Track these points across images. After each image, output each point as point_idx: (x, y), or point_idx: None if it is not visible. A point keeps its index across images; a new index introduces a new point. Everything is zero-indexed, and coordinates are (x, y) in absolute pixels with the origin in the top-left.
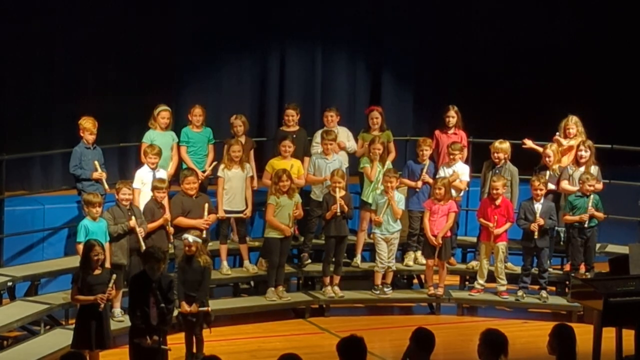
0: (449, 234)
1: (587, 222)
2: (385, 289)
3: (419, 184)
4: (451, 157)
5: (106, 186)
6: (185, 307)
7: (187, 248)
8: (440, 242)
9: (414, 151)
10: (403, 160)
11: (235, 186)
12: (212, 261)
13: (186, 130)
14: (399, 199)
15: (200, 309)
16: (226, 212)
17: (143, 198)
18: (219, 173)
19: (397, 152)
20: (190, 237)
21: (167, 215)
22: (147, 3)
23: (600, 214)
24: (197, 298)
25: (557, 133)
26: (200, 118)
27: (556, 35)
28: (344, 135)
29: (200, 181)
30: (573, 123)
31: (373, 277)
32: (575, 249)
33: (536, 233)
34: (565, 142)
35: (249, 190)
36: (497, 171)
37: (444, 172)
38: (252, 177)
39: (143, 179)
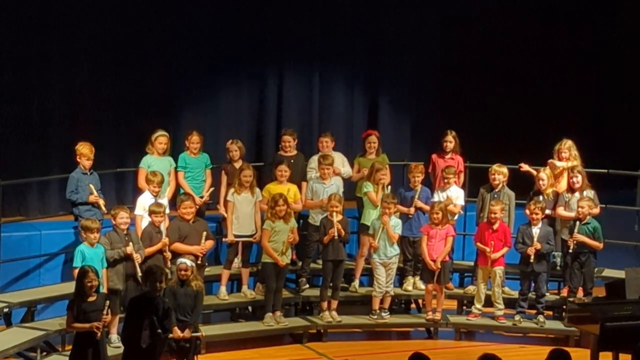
0: (447, 258)
1: (571, 247)
2: (383, 314)
3: (412, 210)
4: (445, 181)
5: (104, 209)
6: (178, 333)
7: (182, 272)
8: (439, 266)
9: (407, 176)
10: (400, 185)
11: (244, 211)
12: (204, 286)
13: (184, 155)
14: (395, 223)
15: (193, 334)
16: (236, 236)
17: (145, 225)
18: (229, 197)
19: (392, 176)
20: (188, 262)
21: (165, 239)
22: (145, 28)
23: (596, 243)
24: (189, 323)
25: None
26: (198, 145)
27: (552, 60)
28: (339, 161)
29: (197, 207)
30: (566, 147)
31: (371, 302)
32: (572, 272)
33: (532, 257)
34: (559, 164)
35: (258, 214)
36: (495, 195)
37: (438, 196)
38: (261, 202)
39: (145, 205)
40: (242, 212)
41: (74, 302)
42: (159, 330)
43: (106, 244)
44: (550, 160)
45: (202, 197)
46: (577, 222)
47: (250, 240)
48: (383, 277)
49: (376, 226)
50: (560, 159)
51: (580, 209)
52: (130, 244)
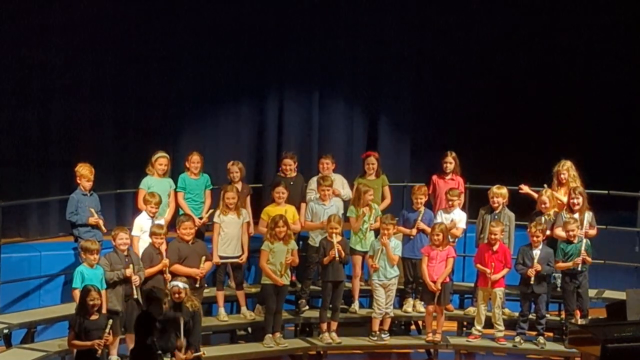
0: (447, 279)
1: (579, 266)
2: (383, 335)
3: (414, 231)
4: (450, 203)
5: (104, 229)
6: (180, 355)
7: (176, 295)
8: (440, 287)
9: (410, 198)
10: (400, 206)
11: (231, 232)
12: (201, 306)
13: (183, 176)
14: (395, 245)
15: (195, 354)
16: (221, 257)
17: (142, 245)
18: (215, 219)
19: (392, 197)
20: (180, 284)
21: (166, 260)
22: (146, 49)
23: (588, 259)
24: (190, 343)
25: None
26: (198, 165)
27: (553, 80)
28: (339, 183)
29: (197, 228)
30: (565, 169)
31: (370, 323)
32: (568, 294)
33: (532, 278)
34: (561, 197)
35: (246, 235)
36: (495, 217)
37: (441, 217)
38: (248, 223)
39: (142, 226)
40: (228, 233)
41: (75, 320)
42: (154, 339)
43: (106, 265)
44: (553, 187)
45: (201, 219)
46: (586, 240)
47: (237, 261)
48: (383, 298)
49: (376, 247)
50: (559, 180)
51: (571, 232)
52: (131, 266)
